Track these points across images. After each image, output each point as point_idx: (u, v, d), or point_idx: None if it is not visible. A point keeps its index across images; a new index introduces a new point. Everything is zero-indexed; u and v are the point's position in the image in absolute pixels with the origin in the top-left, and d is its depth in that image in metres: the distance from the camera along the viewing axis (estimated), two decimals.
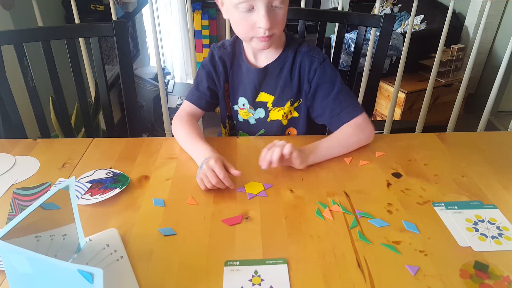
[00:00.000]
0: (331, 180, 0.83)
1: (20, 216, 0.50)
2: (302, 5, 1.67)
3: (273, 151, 0.79)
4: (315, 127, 1.04)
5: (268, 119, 1.02)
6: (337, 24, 1.32)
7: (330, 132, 0.95)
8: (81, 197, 0.75)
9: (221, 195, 0.79)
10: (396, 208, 0.75)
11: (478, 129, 2.04)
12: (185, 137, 0.94)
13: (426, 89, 2.82)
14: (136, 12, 2.82)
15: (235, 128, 1.08)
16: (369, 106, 1.19)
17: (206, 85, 1.00)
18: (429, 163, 0.89)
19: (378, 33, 1.08)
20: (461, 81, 1.95)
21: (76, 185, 0.78)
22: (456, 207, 0.76)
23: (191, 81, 4.13)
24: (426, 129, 2.08)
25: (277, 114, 1.01)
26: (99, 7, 2.07)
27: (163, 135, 2.29)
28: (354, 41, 1.10)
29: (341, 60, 1.83)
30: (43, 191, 0.76)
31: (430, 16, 3.33)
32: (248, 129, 1.05)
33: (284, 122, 1.02)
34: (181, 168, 0.87)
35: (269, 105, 1.01)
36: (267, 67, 0.96)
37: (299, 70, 0.95)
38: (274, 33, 0.86)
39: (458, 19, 3.27)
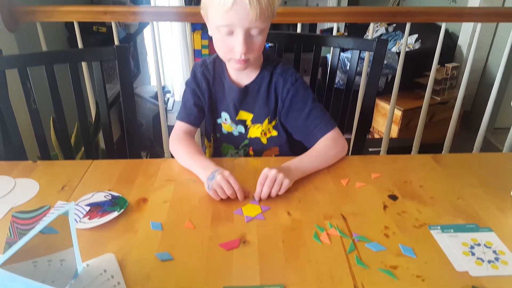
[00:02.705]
0: (328, 202, 0.84)
1: (19, 243, 0.50)
2: (298, 29, 1.70)
3: (265, 186, 0.83)
4: (297, 146, 1.07)
5: (248, 136, 1.07)
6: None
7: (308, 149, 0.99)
8: (80, 221, 0.75)
9: (218, 217, 0.79)
10: (393, 231, 0.76)
11: (474, 147, 2.06)
12: (185, 155, 0.96)
13: (422, 107, 2.85)
14: (138, 33, 2.87)
15: (218, 141, 1.11)
16: (365, 124, 1.21)
17: (192, 102, 1.05)
18: (425, 185, 0.90)
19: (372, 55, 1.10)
20: (456, 99, 1.98)
21: (75, 208, 0.78)
22: (452, 230, 0.76)
23: None
24: (423, 147, 2.10)
25: (256, 131, 1.06)
26: (101, 29, 2.11)
27: (162, 153, 2.30)
28: (350, 59, 1.12)
29: (337, 79, 1.87)
30: (42, 215, 0.76)
31: (424, 36, 3.39)
32: (233, 140, 1.09)
33: (264, 140, 1.06)
34: (179, 190, 0.88)
35: (248, 123, 1.05)
36: (247, 86, 1.01)
37: (274, 90, 1.01)
38: (250, 58, 0.91)
39: (452, 39, 3.33)
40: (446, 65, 3.01)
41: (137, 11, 1.85)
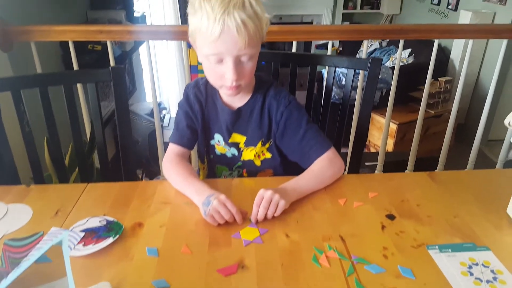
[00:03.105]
0: (326, 223, 0.83)
1: (12, 276, 0.49)
2: (294, 46, 1.72)
3: (261, 207, 0.82)
4: (291, 168, 1.06)
5: (241, 159, 1.06)
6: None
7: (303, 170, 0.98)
8: (74, 248, 0.74)
9: (216, 241, 0.78)
10: (392, 252, 0.75)
11: (469, 161, 2.07)
12: (178, 178, 0.95)
13: (416, 120, 2.87)
14: (133, 50, 2.89)
15: (212, 162, 1.10)
16: (361, 142, 1.22)
17: (185, 124, 1.04)
18: (421, 203, 0.89)
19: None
20: (450, 112, 1.99)
21: (69, 235, 0.77)
22: (450, 250, 0.76)
23: None
24: (418, 160, 2.11)
25: (249, 154, 1.04)
26: (96, 47, 2.12)
27: (158, 170, 2.29)
28: (345, 74, 1.14)
29: (333, 93, 1.87)
30: (35, 242, 0.75)
31: (417, 50, 3.44)
32: (226, 162, 1.08)
33: (257, 162, 1.05)
34: (175, 213, 0.87)
35: (242, 145, 1.04)
36: (240, 109, 1.00)
37: (268, 112, 1.00)
38: (241, 84, 0.91)
39: (444, 53, 3.38)
40: (439, 79, 3.04)
41: (133, 30, 1.86)
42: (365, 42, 1.72)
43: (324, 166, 0.96)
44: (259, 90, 1.00)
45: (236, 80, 0.88)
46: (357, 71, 1.16)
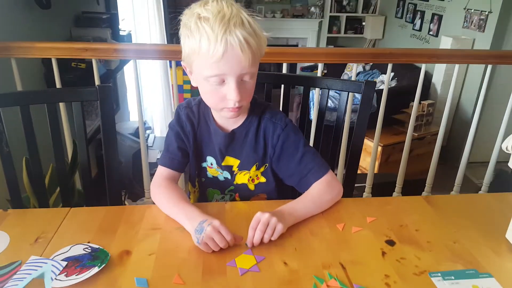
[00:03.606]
0: (325, 250, 0.80)
1: None
2: (284, 67, 1.72)
3: (258, 230, 0.79)
4: (286, 193, 1.04)
5: (234, 182, 1.02)
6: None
7: (299, 194, 0.95)
8: (55, 278, 0.68)
9: (210, 270, 0.73)
10: (394, 280, 0.72)
11: (455, 183, 2.09)
12: (167, 203, 0.90)
13: (400, 142, 2.90)
14: (118, 69, 2.84)
15: (204, 185, 1.06)
16: (355, 162, 1.20)
17: (176, 146, 0.99)
18: (420, 228, 0.87)
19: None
20: (433, 134, 2.03)
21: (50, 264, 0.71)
22: (453, 277, 0.73)
23: None
24: (405, 182, 2.11)
25: (243, 178, 1.01)
26: (80, 65, 2.07)
27: (142, 192, 2.22)
28: (333, 97, 1.13)
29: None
30: (13, 272, 0.69)
31: (400, 74, 3.52)
32: (218, 185, 1.04)
33: (251, 187, 1.01)
34: (165, 240, 0.82)
35: (235, 168, 1.00)
36: (233, 131, 0.97)
37: (263, 135, 0.97)
38: (243, 104, 0.88)
39: (426, 77, 3.47)
40: (422, 102, 3.11)
41: (119, 49, 1.82)
42: (354, 65, 1.73)
43: (322, 189, 0.93)
44: (254, 112, 0.97)
45: (240, 101, 0.84)
46: (344, 93, 1.15)
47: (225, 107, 0.87)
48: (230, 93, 0.83)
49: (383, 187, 2.27)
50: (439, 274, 0.74)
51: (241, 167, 1.00)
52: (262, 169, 1.00)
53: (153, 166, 2.63)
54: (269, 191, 1.02)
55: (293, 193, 0.98)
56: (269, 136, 0.96)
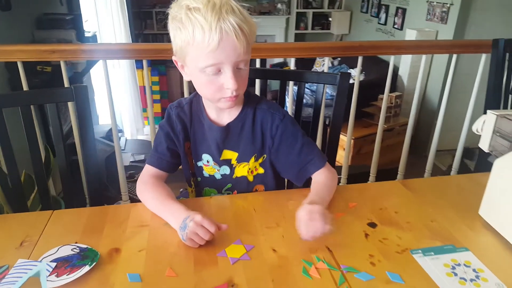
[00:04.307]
0: None
1: None
2: (257, 63, 1.74)
3: (314, 225, 0.76)
4: (283, 183, 1.05)
5: (234, 176, 1.01)
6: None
7: (295, 186, 0.96)
8: (46, 279, 0.67)
9: (201, 262, 0.74)
10: (378, 259, 0.76)
11: (426, 170, 2.18)
12: (153, 201, 0.90)
13: (370, 134, 2.97)
14: (85, 72, 2.77)
15: (200, 185, 1.05)
16: (333, 154, 1.23)
17: (165, 146, 0.98)
18: (399, 210, 0.92)
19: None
20: (401, 125, 2.10)
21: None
22: (432, 253, 0.78)
23: (143, 137, 4.07)
24: (378, 172, 2.19)
25: (242, 170, 1.01)
26: (46, 68, 2.00)
27: (116, 195, 2.18)
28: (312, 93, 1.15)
29: (292, 110, 1.90)
30: (1, 276, 0.67)
31: (367, 68, 3.61)
32: (214, 184, 1.03)
33: (250, 178, 1.02)
34: (154, 236, 0.82)
35: (234, 162, 1.00)
36: (229, 125, 0.96)
37: (261, 126, 0.97)
38: (240, 93, 0.88)
39: (393, 70, 3.58)
40: (389, 94, 3.21)
41: (88, 49, 1.78)
42: (326, 59, 1.78)
43: (330, 178, 0.95)
44: (249, 104, 0.97)
45: (237, 89, 0.84)
46: (312, 88, 1.18)
47: (222, 97, 0.87)
48: (227, 82, 0.83)
49: (356, 178, 2.34)
50: (420, 251, 0.78)
51: (239, 160, 1.00)
52: (260, 160, 1.00)
53: (127, 170, 2.59)
54: (267, 181, 1.03)
55: (290, 183, 0.98)
56: (267, 127, 0.97)
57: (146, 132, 4.05)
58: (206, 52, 0.80)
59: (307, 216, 0.77)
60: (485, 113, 1.01)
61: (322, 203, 0.86)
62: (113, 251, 0.77)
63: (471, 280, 0.71)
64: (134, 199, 2.00)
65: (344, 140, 2.11)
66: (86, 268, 0.70)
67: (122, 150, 3.21)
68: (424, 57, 1.88)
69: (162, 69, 4.45)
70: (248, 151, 0.99)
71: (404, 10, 3.66)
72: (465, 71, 2.98)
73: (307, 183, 0.97)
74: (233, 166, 1.00)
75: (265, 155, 1.00)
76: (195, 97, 0.99)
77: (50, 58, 1.71)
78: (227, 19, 0.78)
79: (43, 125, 2.13)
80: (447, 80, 1.96)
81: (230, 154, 0.99)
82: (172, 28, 0.84)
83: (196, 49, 0.81)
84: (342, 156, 2.13)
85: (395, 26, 3.79)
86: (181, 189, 1.23)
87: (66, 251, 0.75)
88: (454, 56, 1.88)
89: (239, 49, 0.81)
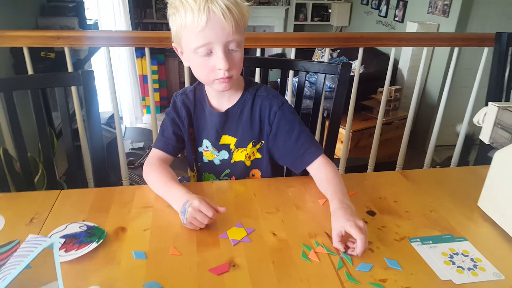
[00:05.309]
0: (310, 221, 0.84)
1: (5, 281, 0.45)
2: (258, 53, 1.75)
3: (364, 236, 0.75)
4: (279, 169, 1.07)
5: (232, 161, 1.04)
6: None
7: (293, 173, 0.97)
8: None
9: (204, 242, 0.77)
10: (377, 246, 0.78)
11: (425, 163, 2.20)
12: (157, 183, 0.92)
13: (369, 128, 2.96)
14: (87, 58, 2.78)
15: (200, 170, 1.08)
16: (332, 145, 1.25)
17: (171, 130, 1.02)
18: (398, 200, 0.94)
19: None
20: (400, 119, 2.11)
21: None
22: (431, 242, 0.80)
23: (142, 125, 4.07)
24: (376, 165, 2.21)
25: (240, 155, 1.03)
26: (49, 55, 2.01)
27: (116, 181, 2.20)
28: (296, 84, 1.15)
29: (291, 100, 1.91)
30: (12, 250, 0.69)
31: (367, 61, 3.60)
32: (213, 170, 1.06)
33: (248, 163, 1.04)
34: (158, 217, 0.84)
35: (232, 147, 1.03)
36: (228, 110, 0.99)
37: (259, 113, 0.99)
38: (233, 74, 0.91)
39: (393, 63, 3.59)
40: (389, 88, 3.22)
41: (92, 36, 1.79)
42: (327, 50, 1.79)
43: (332, 171, 0.94)
44: (248, 90, 1.00)
45: (228, 69, 0.87)
46: (311, 80, 1.19)
47: (216, 78, 0.89)
48: (219, 62, 0.86)
49: (353, 171, 2.35)
50: (418, 240, 0.80)
51: (238, 145, 1.02)
52: (258, 146, 1.03)
53: (126, 157, 2.60)
54: (263, 166, 1.05)
55: (289, 170, 0.99)
56: (266, 113, 0.99)
57: (145, 121, 4.06)
58: (196, 32, 0.83)
59: (363, 235, 0.75)
60: (486, 105, 1.03)
61: (350, 203, 0.84)
62: (119, 229, 0.79)
63: (469, 269, 0.73)
64: (134, 185, 2.02)
65: (342, 133, 2.12)
66: (94, 245, 0.72)
67: (122, 137, 3.23)
68: (425, 50, 1.89)
69: (161, 58, 4.43)
70: (247, 137, 1.01)
71: (405, 3, 3.62)
72: (466, 66, 2.98)
73: (305, 171, 0.99)
74: (232, 151, 1.03)
75: (263, 141, 1.02)
76: (199, 85, 1.03)
77: (55, 44, 1.72)
78: (215, 0, 0.82)
79: (45, 109, 2.14)
80: (448, 74, 1.97)
81: (228, 139, 1.02)
82: (170, 15, 0.88)
83: (188, 31, 0.85)
84: (340, 149, 2.14)
85: (396, 18, 3.76)
86: (179, 177, 1.26)
87: (74, 228, 0.77)
88: (456, 50, 1.89)
89: (228, 29, 0.83)
